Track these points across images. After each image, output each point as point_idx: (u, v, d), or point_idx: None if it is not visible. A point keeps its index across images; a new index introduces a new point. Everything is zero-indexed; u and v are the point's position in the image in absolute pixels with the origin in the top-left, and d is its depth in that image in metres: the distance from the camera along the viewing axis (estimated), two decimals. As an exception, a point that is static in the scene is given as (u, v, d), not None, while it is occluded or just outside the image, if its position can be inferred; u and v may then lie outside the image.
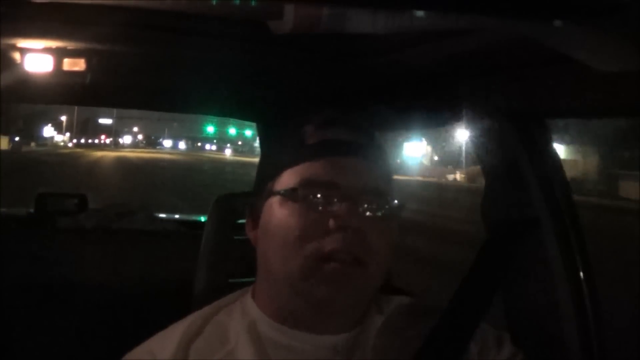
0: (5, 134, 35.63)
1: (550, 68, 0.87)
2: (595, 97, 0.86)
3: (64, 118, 71.41)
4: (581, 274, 1.03)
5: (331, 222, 0.74)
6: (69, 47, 1.04)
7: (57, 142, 66.41)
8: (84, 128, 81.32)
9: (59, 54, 1.07)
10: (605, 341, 1.03)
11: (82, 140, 76.93)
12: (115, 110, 73.10)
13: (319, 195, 0.76)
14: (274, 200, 0.79)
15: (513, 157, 1.04)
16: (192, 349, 0.79)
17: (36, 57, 1.06)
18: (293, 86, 1.46)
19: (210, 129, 75.32)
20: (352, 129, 0.81)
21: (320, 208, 0.75)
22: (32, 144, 48.61)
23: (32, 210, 2.11)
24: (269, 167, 0.82)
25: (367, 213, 0.76)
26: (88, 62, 1.10)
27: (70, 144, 69.06)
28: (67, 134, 72.96)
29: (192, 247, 1.11)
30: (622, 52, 0.57)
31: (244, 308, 0.84)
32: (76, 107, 62.14)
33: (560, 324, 1.01)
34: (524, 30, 0.57)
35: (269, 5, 0.60)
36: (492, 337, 0.85)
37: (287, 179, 0.78)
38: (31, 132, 53.03)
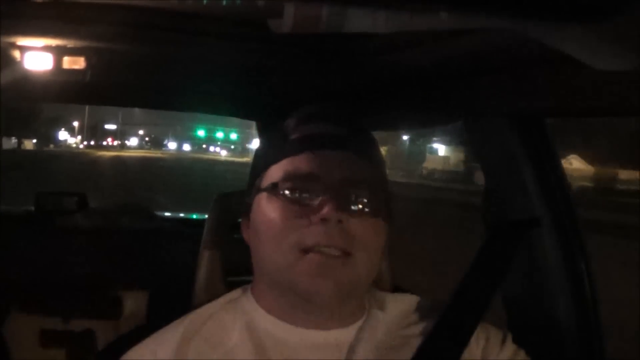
0: (30, 138, 50.66)
1: (550, 68, 0.87)
2: (595, 97, 0.86)
3: (76, 123, 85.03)
4: (581, 274, 1.03)
5: (312, 215, 0.74)
6: (69, 45, 1.04)
7: (70, 144, 79.55)
8: (94, 132, 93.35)
9: (59, 52, 1.06)
10: (604, 341, 1.03)
11: (92, 142, 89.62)
12: (120, 116, 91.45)
13: (300, 189, 0.76)
14: (261, 197, 0.80)
15: (513, 157, 1.04)
16: (192, 346, 0.79)
17: (36, 55, 1.06)
18: (293, 86, 1.46)
19: (201, 133, 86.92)
20: (334, 121, 0.81)
21: (302, 202, 0.76)
22: (51, 146, 63.03)
23: (31, 209, 2.11)
24: (258, 165, 0.83)
25: (351, 205, 0.76)
26: (88, 61, 1.09)
27: (81, 146, 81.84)
28: (79, 137, 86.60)
29: (191, 246, 1.11)
30: (622, 52, 0.57)
31: (243, 305, 0.84)
32: (86, 113, 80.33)
33: (560, 324, 1.01)
34: (524, 30, 0.57)
35: (269, 4, 0.60)
36: (495, 336, 0.85)
37: (272, 175, 0.79)
38: (48, 136, 66.00)
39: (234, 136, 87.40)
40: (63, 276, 1.68)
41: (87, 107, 76.66)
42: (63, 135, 77.09)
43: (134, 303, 1.67)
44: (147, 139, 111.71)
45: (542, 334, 1.04)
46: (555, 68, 0.85)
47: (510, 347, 0.84)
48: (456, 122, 1.17)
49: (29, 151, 43.61)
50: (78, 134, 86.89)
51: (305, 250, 0.74)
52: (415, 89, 1.19)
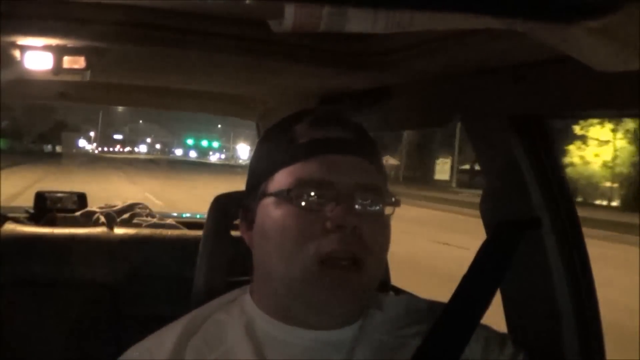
0: (60, 144, 66.72)
1: (550, 68, 0.87)
2: (595, 97, 0.86)
3: (92, 133, 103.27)
4: (580, 274, 1.03)
5: (328, 222, 0.74)
6: (69, 45, 1.04)
7: (87, 150, 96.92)
8: (106, 140, 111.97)
9: (59, 52, 1.06)
10: (603, 341, 1.03)
11: (105, 149, 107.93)
12: (127, 128, 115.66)
13: (313, 195, 0.75)
14: (269, 202, 0.78)
15: (513, 157, 1.04)
16: (189, 346, 0.79)
17: (36, 55, 1.06)
18: (293, 86, 1.46)
19: (189, 141, 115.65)
20: (343, 126, 0.80)
21: (315, 208, 0.75)
22: (74, 150, 78.84)
23: (31, 209, 2.11)
24: (262, 168, 0.82)
25: (362, 210, 0.75)
26: (88, 60, 1.09)
27: (96, 152, 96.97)
28: (94, 144, 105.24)
29: (191, 246, 1.11)
30: (622, 52, 0.57)
31: (242, 306, 0.84)
32: (99, 124, 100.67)
33: (559, 324, 1.01)
34: (524, 30, 0.57)
35: (269, 4, 0.60)
36: (494, 338, 0.85)
37: (281, 180, 0.78)
38: (71, 143, 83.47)
39: (216, 144, 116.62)
40: (63, 276, 1.68)
41: (100, 120, 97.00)
42: (82, 142, 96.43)
43: (133, 303, 1.67)
44: (157, 145, 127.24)
45: (541, 333, 1.04)
46: (556, 68, 0.85)
47: (510, 347, 0.84)
48: (456, 122, 1.17)
49: (62, 153, 63.03)
50: (93, 142, 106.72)
51: (322, 261, 0.73)
52: (415, 89, 1.20)
